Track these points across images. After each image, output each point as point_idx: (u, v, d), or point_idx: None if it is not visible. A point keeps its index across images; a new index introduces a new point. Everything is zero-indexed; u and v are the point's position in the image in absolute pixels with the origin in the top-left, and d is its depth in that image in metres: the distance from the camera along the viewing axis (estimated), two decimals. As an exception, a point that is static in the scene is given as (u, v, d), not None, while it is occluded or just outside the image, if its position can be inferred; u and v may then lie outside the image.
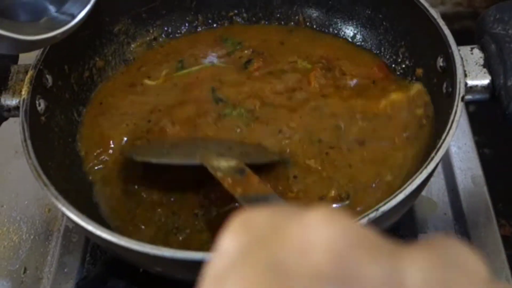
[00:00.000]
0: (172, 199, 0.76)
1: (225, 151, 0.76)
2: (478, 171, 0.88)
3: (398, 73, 0.86)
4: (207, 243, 0.72)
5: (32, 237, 0.86)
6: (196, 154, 0.74)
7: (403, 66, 0.86)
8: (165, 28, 0.96)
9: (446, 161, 0.89)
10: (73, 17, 0.69)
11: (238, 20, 0.97)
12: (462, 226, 0.83)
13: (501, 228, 0.90)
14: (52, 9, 0.69)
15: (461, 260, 0.27)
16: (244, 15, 0.97)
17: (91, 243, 0.83)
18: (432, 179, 0.86)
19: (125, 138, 0.82)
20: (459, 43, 0.75)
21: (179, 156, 0.77)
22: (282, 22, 0.96)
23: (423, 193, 0.82)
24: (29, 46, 0.67)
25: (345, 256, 0.25)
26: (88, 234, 0.67)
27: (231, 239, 0.28)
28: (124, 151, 0.80)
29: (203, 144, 0.80)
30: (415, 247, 0.27)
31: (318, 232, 0.26)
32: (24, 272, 0.83)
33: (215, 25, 0.97)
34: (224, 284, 0.26)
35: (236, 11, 0.97)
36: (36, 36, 0.65)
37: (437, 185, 0.87)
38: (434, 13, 0.77)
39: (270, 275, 0.25)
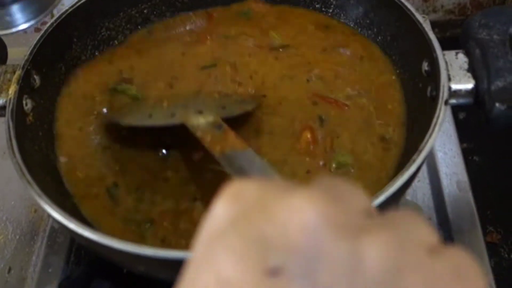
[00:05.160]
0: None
1: (203, 107, 0.75)
2: (463, 176, 0.88)
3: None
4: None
5: (17, 237, 0.86)
6: (176, 114, 0.74)
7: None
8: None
9: (432, 166, 0.90)
10: None
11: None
12: (446, 231, 0.83)
13: (488, 235, 0.91)
14: None
15: (414, 234, 0.30)
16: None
17: (76, 244, 0.83)
18: (417, 183, 0.87)
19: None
20: (451, 50, 0.75)
21: (161, 118, 0.76)
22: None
23: (408, 197, 0.83)
24: None
25: (318, 235, 0.29)
26: (70, 233, 0.67)
27: (223, 208, 0.31)
28: (108, 117, 0.80)
29: (183, 102, 0.79)
30: (380, 224, 0.30)
31: (299, 214, 0.29)
32: (9, 271, 0.83)
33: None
34: (214, 248, 0.29)
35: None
36: None
37: (422, 189, 0.87)
38: (421, 18, 0.77)
39: (254, 246, 0.28)
